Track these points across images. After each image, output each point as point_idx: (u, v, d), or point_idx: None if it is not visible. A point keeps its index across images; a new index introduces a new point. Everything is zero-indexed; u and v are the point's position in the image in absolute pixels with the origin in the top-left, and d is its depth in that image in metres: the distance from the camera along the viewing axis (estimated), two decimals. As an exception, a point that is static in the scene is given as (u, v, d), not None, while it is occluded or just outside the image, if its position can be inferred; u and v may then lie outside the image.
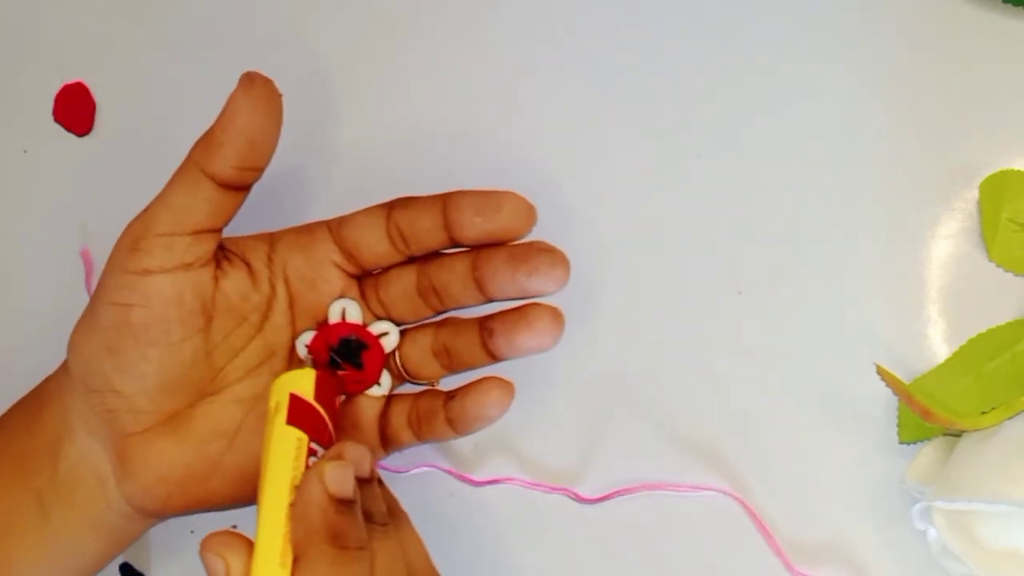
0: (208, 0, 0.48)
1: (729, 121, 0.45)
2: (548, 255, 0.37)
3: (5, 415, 0.40)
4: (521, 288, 0.37)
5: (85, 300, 0.47)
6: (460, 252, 0.38)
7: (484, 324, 0.38)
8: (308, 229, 0.40)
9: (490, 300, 0.38)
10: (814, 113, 0.44)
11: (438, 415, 0.39)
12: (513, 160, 0.46)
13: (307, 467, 0.34)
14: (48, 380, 0.40)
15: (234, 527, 0.34)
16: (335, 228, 0.39)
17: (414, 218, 0.38)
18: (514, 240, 0.38)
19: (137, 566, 0.45)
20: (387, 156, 0.46)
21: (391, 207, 0.39)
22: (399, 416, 0.40)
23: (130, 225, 0.37)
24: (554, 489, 0.44)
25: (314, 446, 0.35)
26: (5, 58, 0.49)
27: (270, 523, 0.33)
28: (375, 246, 0.39)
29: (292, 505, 0.33)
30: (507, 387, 0.38)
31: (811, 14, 0.45)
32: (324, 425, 0.36)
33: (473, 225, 0.37)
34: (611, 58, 0.46)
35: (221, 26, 0.48)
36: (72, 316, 0.46)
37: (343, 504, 0.33)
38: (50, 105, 0.48)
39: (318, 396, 0.36)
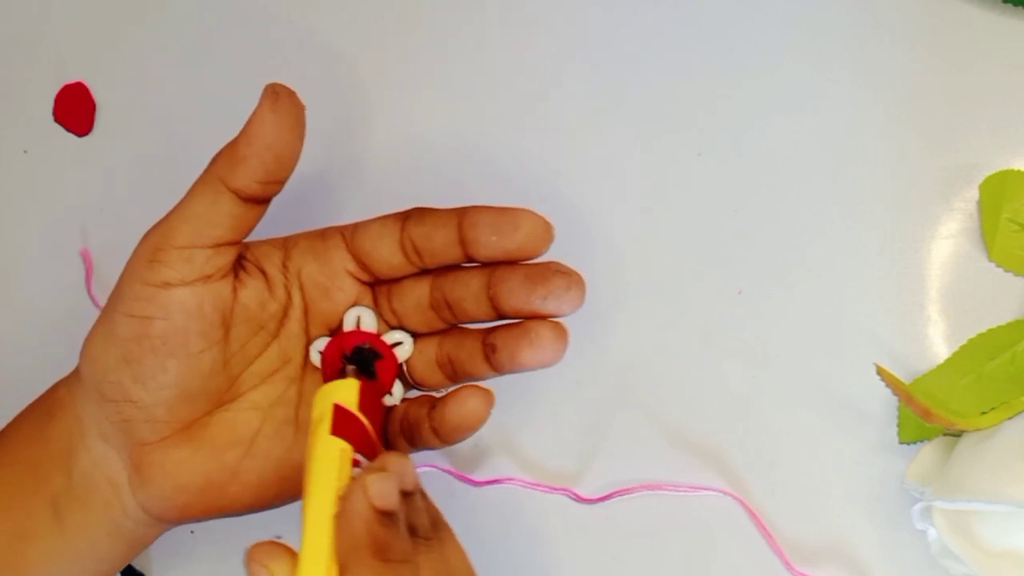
0: (208, 0, 0.48)
1: (729, 120, 0.45)
2: (564, 278, 0.37)
3: (15, 421, 0.40)
4: (535, 309, 0.37)
5: (85, 300, 0.47)
6: (475, 268, 0.38)
7: (486, 339, 0.38)
8: (322, 235, 0.39)
9: (503, 317, 0.38)
10: (814, 113, 0.44)
11: (424, 424, 0.39)
12: (513, 156, 0.46)
13: (351, 478, 0.34)
14: (58, 385, 0.39)
15: (278, 537, 0.34)
16: (349, 236, 0.39)
17: (429, 233, 0.37)
18: (531, 259, 0.37)
19: (138, 566, 0.45)
20: (397, 158, 0.46)
21: (406, 218, 0.38)
22: (394, 424, 0.40)
23: (147, 235, 0.37)
24: (554, 489, 0.44)
25: (358, 457, 0.35)
26: (5, 58, 0.49)
27: (314, 535, 0.33)
28: (388, 258, 0.38)
29: (336, 517, 0.33)
30: (486, 396, 0.38)
31: (812, 14, 0.45)
32: (368, 436, 0.36)
33: (489, 244, 0.37)
34: (613, 59, 0.46)
35: (221, 26, 0.48)
36: (72, 316, 0.46)
37: (387, 516, 0.32)
38: (50, 105, 0.48)
39: (362, 406, 0.36)
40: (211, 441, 0.38)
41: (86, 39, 0.49)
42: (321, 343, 0.39)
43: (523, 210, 0.37)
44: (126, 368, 0.36)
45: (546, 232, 0.37)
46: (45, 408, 0.39)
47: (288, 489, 0.39)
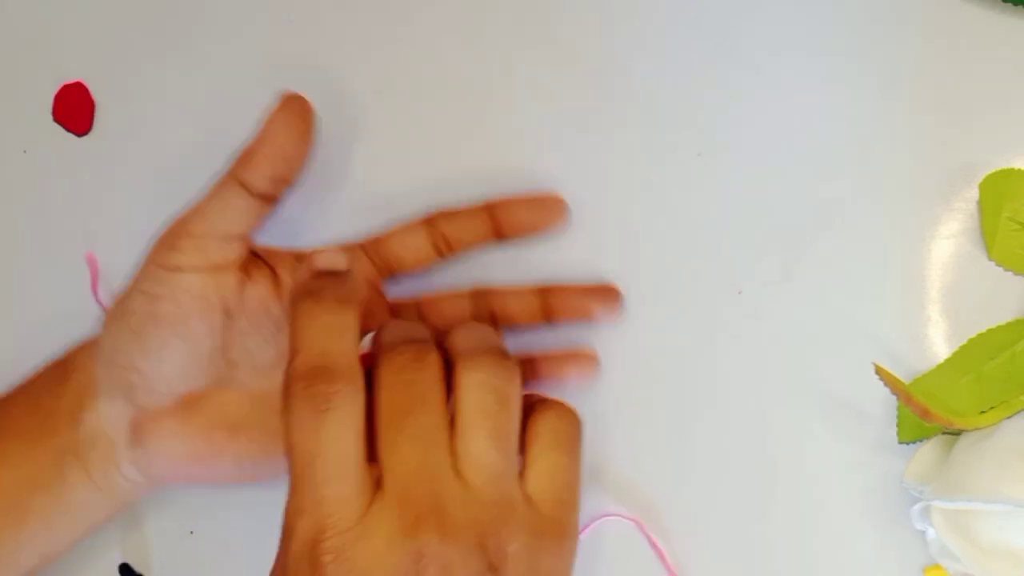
0: (208, 0, 0.48)
1: (729, 121, 0.45)
2: (617, 292, 0.43)
3: (35, 375, 0.42)
4: (592, 313, 0.43)
5: (84, 299, 0.47)
6: (526, 287, 0.43)
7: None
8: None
9: (551, 323, 0.43)
10: (814, 113, 0.44)
11: None
12: (513, 156, 0.46)
13: None
14: (79, 349, 0.42)
15: None
16: (371, 247, 0.42)
17: (463, 225, 0.43)
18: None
19: (137, 567, 0.45)
20: (395, 157, 0.46)
21: (431, 220, 0.43)
22: None
23: (170, 224, 0.40)
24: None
25: None
26: (5, 58, 0.49)
27: None
28: (416, 252, 0.43)
29: None
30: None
31: (812, 15, 0.45)
32: None
33: (524, 220, 0.43)
34: (612, 59, 0.46)
35: (221, 26, 0.48)
36: (71, 314, 0.46)
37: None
38: (50, 105, 0.48)
39: None
40: (201, 418, 0.40)
41: (86, 39, 0.49)
42: None
43: (543, 193, 0.44)
44: (135, 340, 0.39)
45: (564, 207, 0.44)
46: (63, 367, 0.42)
47: (265, 472, 0.41)
